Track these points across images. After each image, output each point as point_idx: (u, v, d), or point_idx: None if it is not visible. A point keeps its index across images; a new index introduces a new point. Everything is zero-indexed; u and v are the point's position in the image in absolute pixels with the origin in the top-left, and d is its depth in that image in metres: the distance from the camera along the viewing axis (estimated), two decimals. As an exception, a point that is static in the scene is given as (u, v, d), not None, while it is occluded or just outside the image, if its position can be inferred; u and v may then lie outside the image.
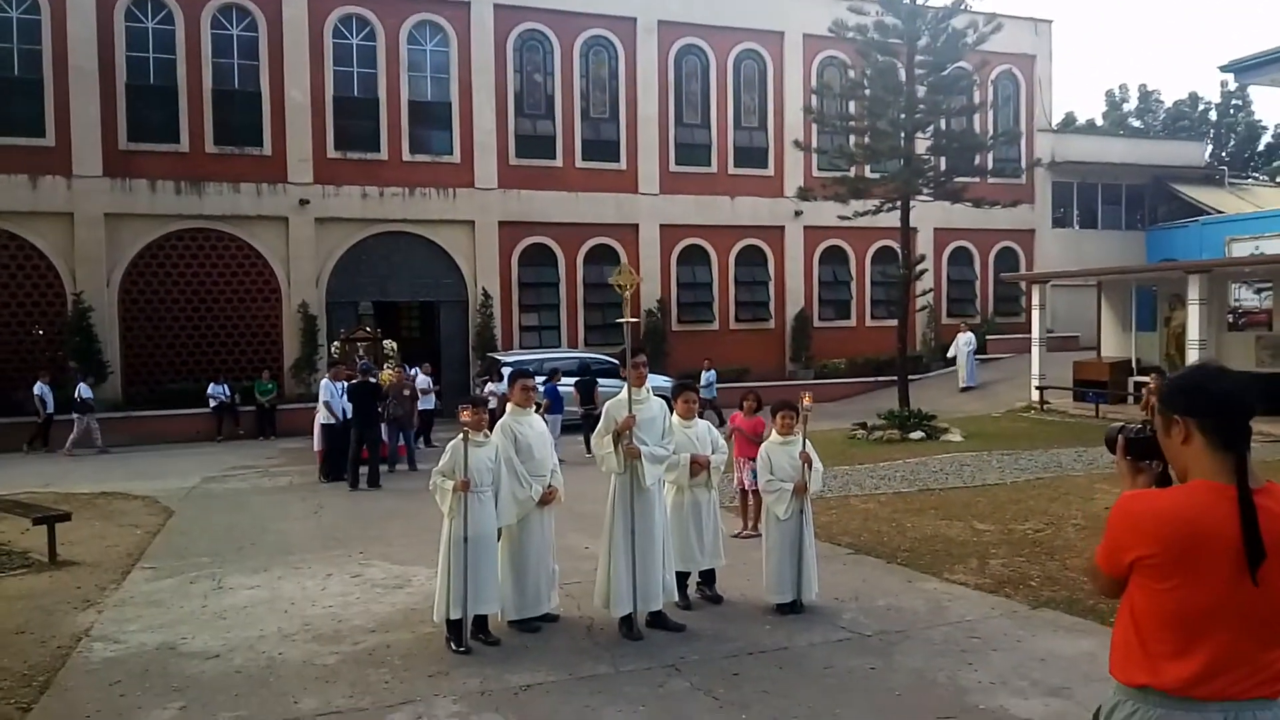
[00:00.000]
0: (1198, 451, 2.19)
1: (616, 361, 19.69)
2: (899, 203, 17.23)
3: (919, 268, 17.70)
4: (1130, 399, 18.20)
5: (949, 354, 23.34)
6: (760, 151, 25.15)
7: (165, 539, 9.75)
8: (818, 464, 6.62)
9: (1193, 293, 16.59)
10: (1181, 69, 75.69)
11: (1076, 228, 28.99)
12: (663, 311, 23.65)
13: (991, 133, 23.14)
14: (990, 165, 19.96)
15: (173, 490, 12.89)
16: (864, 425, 16.25)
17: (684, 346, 22.94)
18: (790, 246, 25.29)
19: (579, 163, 23.44)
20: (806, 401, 6.55)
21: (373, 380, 13.84)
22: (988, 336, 26.09)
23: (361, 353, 17.17)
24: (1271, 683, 2.15)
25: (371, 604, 7.02)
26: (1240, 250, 24.47)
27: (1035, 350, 19.94)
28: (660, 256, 23.77)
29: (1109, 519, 2.27)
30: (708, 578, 6.90)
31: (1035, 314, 20.38)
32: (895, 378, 19.25)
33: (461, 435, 5.93)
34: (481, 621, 6.04)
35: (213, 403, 19.52)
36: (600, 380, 16.96)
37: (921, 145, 17.68)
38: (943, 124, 17.96)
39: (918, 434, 15.71)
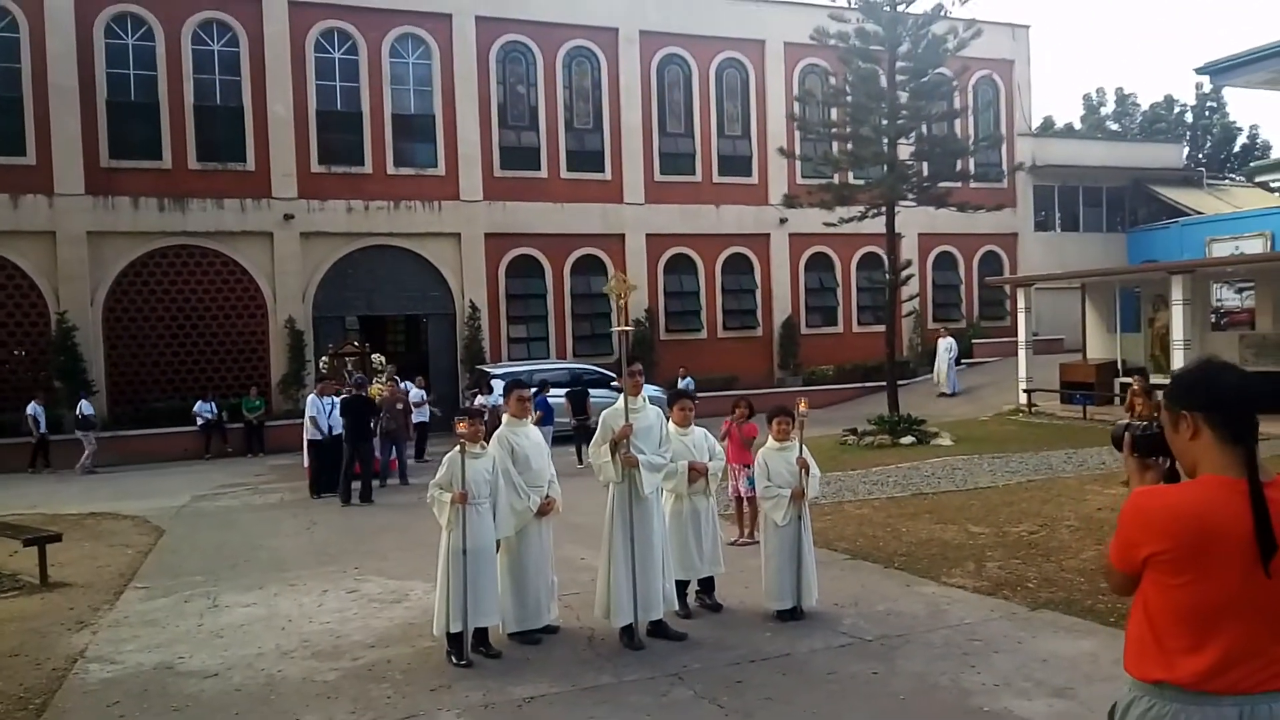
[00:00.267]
0: (1206, 446, 2.21)
1: (609, 373, 19.72)
2: (883, 208, 17.33)
3: (905, 273, 17.79)
4: (1117, 400, 18.33)
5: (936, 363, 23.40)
6: (744, 160, 25.26)
7: (157, 558, 9.66)
8: (815, 469, 6.63)
9: (1176, 293, 16.75)
10: (1156, 72, 76.64)
11: (1058, 231, 29.25)
12: (650, 321, 23.68)
13: (973, 137, 23.34)
14: (972, 170, 20.11)
15: (162, 509, 12.78)
16: (854, 431, 16.30)
17: (672, 355, 22.96)
18: (776, 254, 25.39)
19: (564, 173, 23.48)
20: (802, 407, 6.57)
21: (364, 394, 13.78)
22: (973, 340, 26.26)
23: (350, 367, 17.12)
24: (1285, 675, 2.17)
25: (369, 619, 6.98)
26: (1220, 250, 24.73)
27: (1022, 353, 20.07)
28: (647, 266, 23.81)
29: (1120, 516, 2.28)
30: (707, 586, 6.90)
31: (1021, 317, 20.52)
32: (883, 383, 19.32)
33: (459, 447, 5.92)
34: (482, 634, 6.02)
35: (200, 421, 19.40)
36: (592, 391, 16.97)
37: (904, 151, 17.80)
38: (925, 129, 18.08)
39: (908, 439, 15.77)
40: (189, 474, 16.97)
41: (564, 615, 6.60)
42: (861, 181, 18.63)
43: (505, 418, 6.46)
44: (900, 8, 16.79)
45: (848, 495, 11.29)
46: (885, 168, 17.41)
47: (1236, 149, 43.23)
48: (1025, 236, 28.12)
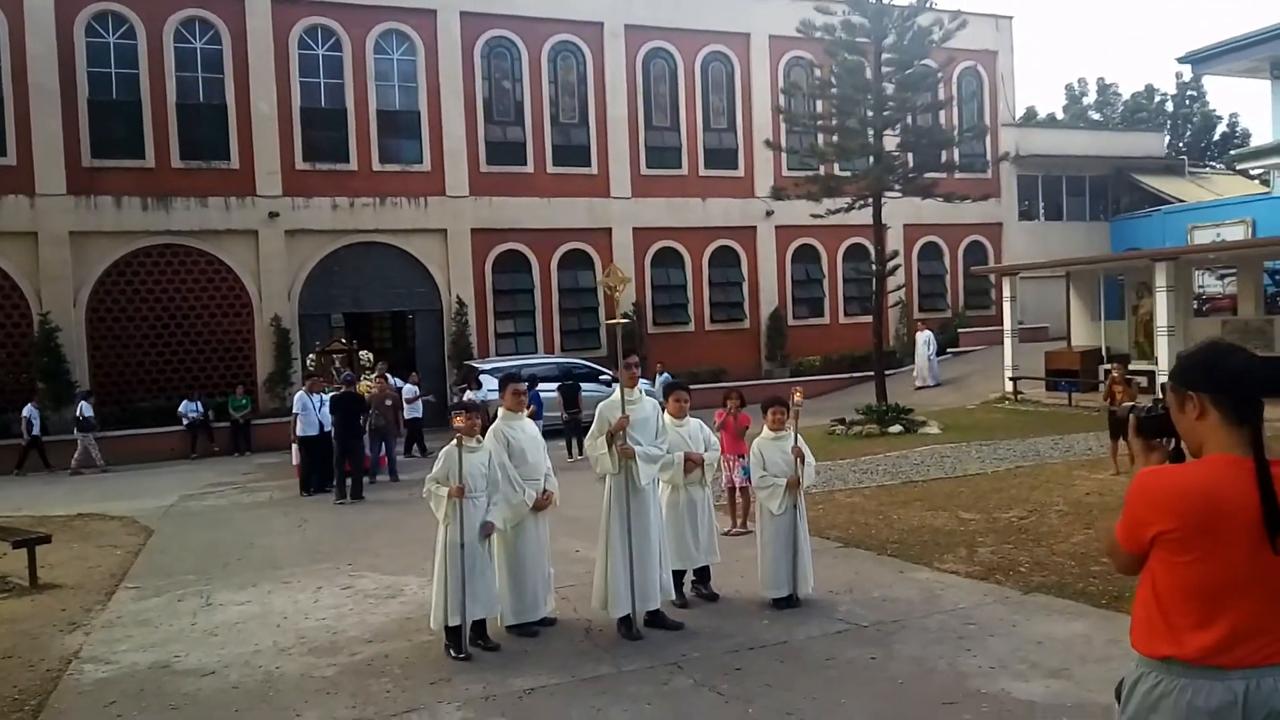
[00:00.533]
0: (1213, 426, 2.23)
1: (600, 368, 19.71)
2: (870, 200, 17.38)
3: (892, 263, 17.85)
4: (1101, 387, 18.47)
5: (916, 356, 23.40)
6: (730, 153, 25.28)
7: (147, 558, 9.61)
8: (810, 458, 6.66)
9: (1160, 280, 16.89)
10: (1137, 62, 77.10)
11: (1042, 220, 29.39)
12: (638, 314, 23.67)
13: (958, 128, 23.43)
14: (957, 160, 20.21)
15: (150, 509, 12.71)
16: (843, 421, 16.37)
17: (660, 349, 22.96)
18: (763, 246, 25.43)
19: (550, 168, 23.42)
20: (797, 397, 6.59)
21: (354, 391, 13.73)
22: (959, 329, 26.40)
23: (338, 364, 17.06)
24: (1290, 649, 2.20)
25: (365, 615, 6.97)
26: (1202, 238, 24.93)
27: (1008, 341, 20.19)
28: (634, 260, 23.78)
29: (1127, 496, 2.31)
30: (702, 575, 6.92)
31: (1006, 306, 20.63)
32: (870, 373, 19.40)
33: (455, 441, 5.91)
34: (480, 627, 6.02)
35: (185, 420, 19.27)
36: (584, 385, 16.98)
37: (890, 142, 17.85)
38: (910, 121, 18.14)
39: (896, 428, 15.85)
40: (176, 474, 16.87)
41: (560, 607, 6.61)
42: (848, 173, 18.66)
43: (501, 411, 6.44)
44: (886, 0, 16.83)
45: (838, 484, 11.34)
46: (871, 159, 17.46)
47: (1216, 137, 43.59)
48: (1009, 226, 28.27)
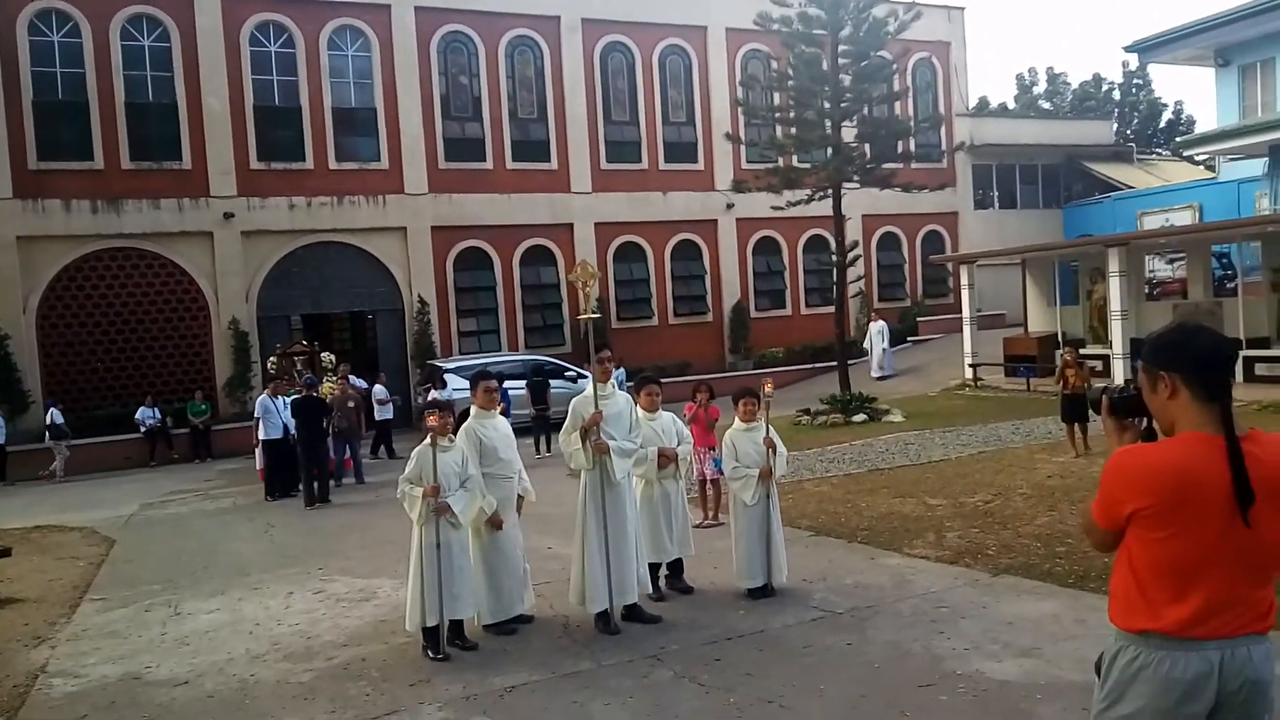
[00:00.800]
0: (1184, 405, 2.30)
1: (567, 365, 19.67)
2: (829, 191, 17.52)
3: (853, 254, 18.02)
4: (1057, 371, 18.82)
5: (864, 344, 23.59)
6: (690, 146, 25.33)
7: (111, 569, 9.43)
8: (781, 448, 6.72)
9: (1113, 265, 17.24)
10: (1085, 51, 78.49)
11: (997, 208, 29.85)
12: (602, 309, 23.64)
13: (914, 119, 23.69)
14: (914, 151, 20.42)
15: (110, 519, 12.47)
16: (808, 411, 16.52)
17: (624, 343, 22.94)
18: (724, 239, 25.53)
19: (510, 164, 23.29)
20: (768, 389, 6.65)
21: (316, 394, 13.57)
22: (918, 318, 26.73)
23: (300, 367, 16.85)
24: (1261, 619, 2.28)
25: (339, 619, 6.91)
26: (1151, 223, 25.50)
27: (967, 329, 20.50)
28: (596, 255, 23.74)
29: (1103, 475, 2.37)
30: (675, 569, 6.95)
31: (964, 294, 20.93)
32: (832, 363, 19.58)
33: (428, 440, 5.88)
34: (457, 627, 6.00)
35: (143, 427, 18.92)
36: (553, 381, 16.98)
37: (848, 133, 18.01)
38: (867, 112, 18.31)
39: (860, 417, 16.04)
40: (135, 482, 16.57)
41: (536, 605, 6.60)
42: (807, 165, 18.80)
43: (472, 409, 6.42)
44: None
45: (806, 474, 11.45)
46: (830, 150, 17.61)
47: (1162, 124, 44.54)
48: (965, 215, 28.67)
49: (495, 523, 6.12)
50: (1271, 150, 20.53)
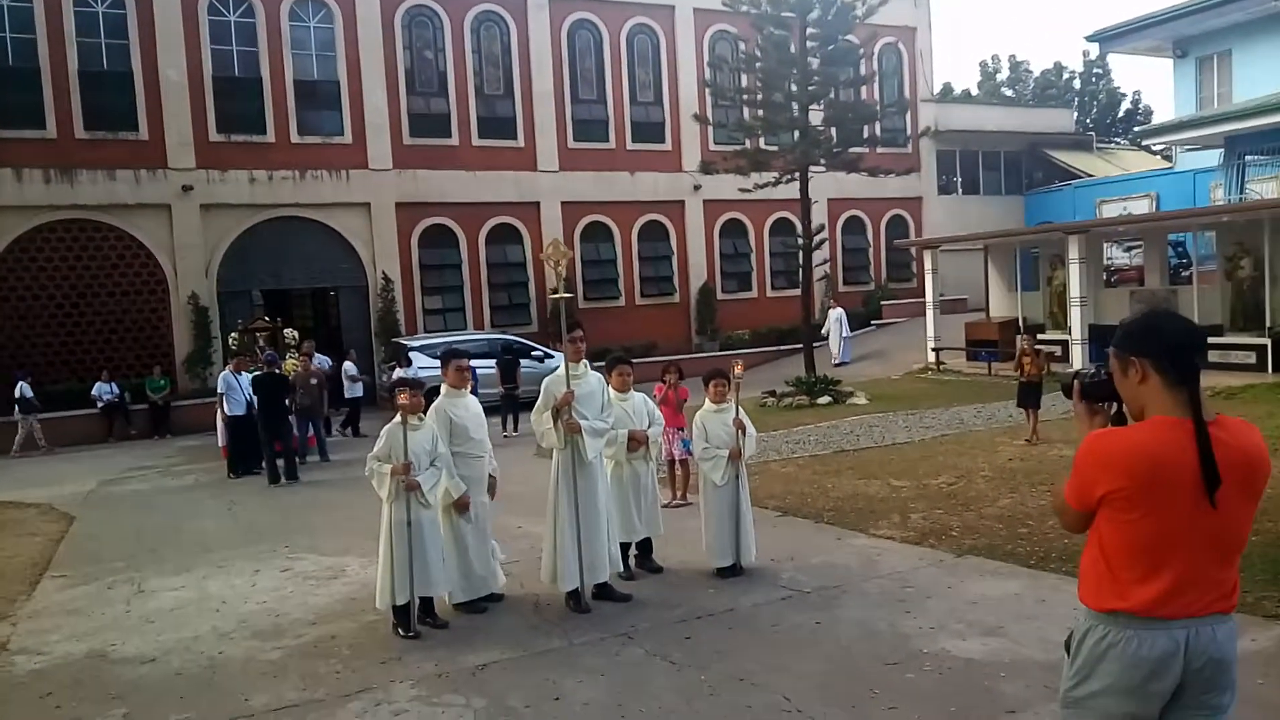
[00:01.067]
0: (1154, 390, 2.37)
1: (531, 344, 19.63)
2: (796, 174, 17.60)
3: (819, 238, 18.14)
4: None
5: (823, 330, 23.67)
6: (657, 126, 25.24)
7: (71, 546, 9.29)
8: (751, 429, 6.78)
9: (1073, 252, 17.53)
10: (1046, 40, 79.30)
11: (960, 194, 30.17)
12: (569, 289, 23.55)
13: (880, 103, 23.83)
14: (879, 135, 20.54)
15: (68, 495, 12.26)
16: (773, 393, 16.65)
17: (591, 324, 22.63)
18: (691, 220, 25.54)
19: (475, 141, 23.06)
20: (738, 370, 6.70)
21: (278, 371, 13.40)
22: (882, 302, 26.99)
23: (262, 343, 16.63)
24: (1226, 599, 2.37)
25: (308, 597, 6.88)
26: (1109, 211, 25.95)
27: (929, 313, 20.75)
28: (563, 234, 23.59)
29: (1076, 458, 2.44)
30: (644, 548, 7.00)
31: (928, 278, 21.18)
32: (798, 346, 19.74)
33: (398, 418, 5.85)
34: (427, 605, 6.00)
35: (101, 402, 18.58)
36: (522, 361, 16.97)
37: (816, 117, 18.08)
38: (835, 95, 18.39)
39: (825, 399, 16.20)
40: (93, 459, 16.28)
41: (506, 584, 6.62)
42: (774, 148, 18.85)
43: (443, 388, 6.39)
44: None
45: (772, 455, 11.56)
46: (797, 134, 17.68)
47: (1121, 114, 45.25)
48: (929, 200, 28.94)
49: (462, 504, 6.11)
50: (1227, 141, 20.96)
